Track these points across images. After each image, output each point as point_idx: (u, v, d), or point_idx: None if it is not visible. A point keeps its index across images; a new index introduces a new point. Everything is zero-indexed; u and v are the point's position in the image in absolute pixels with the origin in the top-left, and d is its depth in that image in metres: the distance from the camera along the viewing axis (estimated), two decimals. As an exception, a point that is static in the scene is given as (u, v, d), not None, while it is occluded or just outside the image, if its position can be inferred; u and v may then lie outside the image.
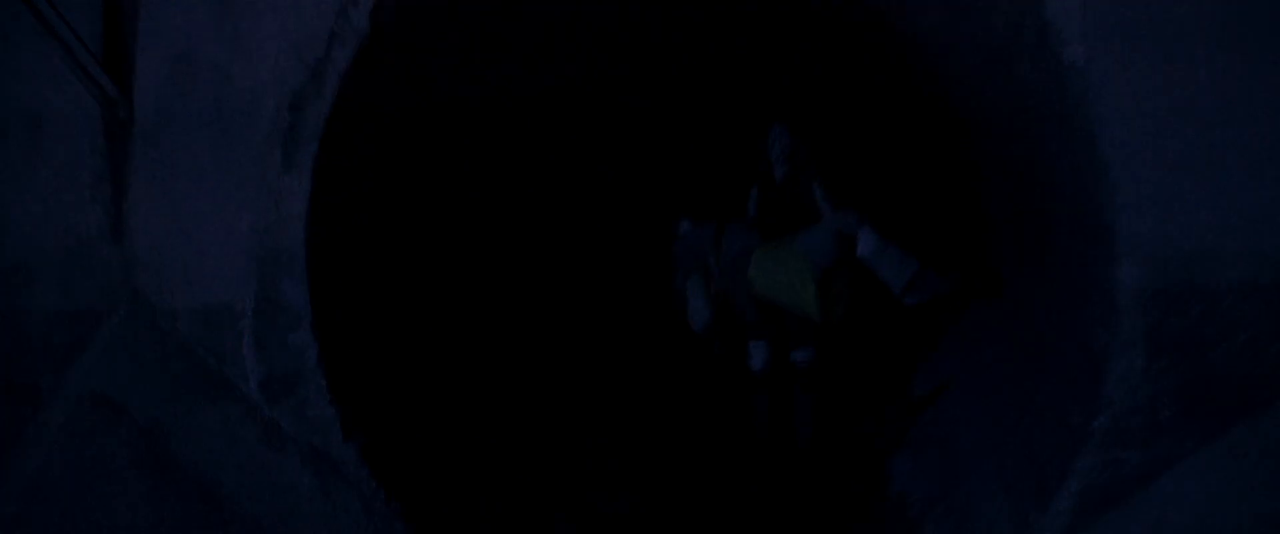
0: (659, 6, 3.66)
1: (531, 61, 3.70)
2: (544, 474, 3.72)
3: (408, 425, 3.18)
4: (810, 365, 3.92)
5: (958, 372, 3.60)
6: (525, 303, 4.35)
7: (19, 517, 2.61)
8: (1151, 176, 2.27)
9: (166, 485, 2.69)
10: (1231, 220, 2.25)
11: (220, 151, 2.89)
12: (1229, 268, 2.26)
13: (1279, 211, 2.22)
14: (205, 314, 2.90)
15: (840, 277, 3.54)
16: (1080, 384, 2.48)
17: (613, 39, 3.83)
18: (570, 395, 4.26)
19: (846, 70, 4.28)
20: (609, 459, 4.05)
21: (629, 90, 4.34)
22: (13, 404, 3.06)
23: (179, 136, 2.91)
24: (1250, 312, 2.25)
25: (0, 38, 3.01)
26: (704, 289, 3.88)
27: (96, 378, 2.84)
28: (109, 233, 3.01)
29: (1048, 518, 2.44)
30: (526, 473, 3.67)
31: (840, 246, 3.52)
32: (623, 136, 4.66)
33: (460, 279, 3.83)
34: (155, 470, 2.70)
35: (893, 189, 4.30)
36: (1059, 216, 2.62)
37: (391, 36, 2.80)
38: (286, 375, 2.87)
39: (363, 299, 3.08)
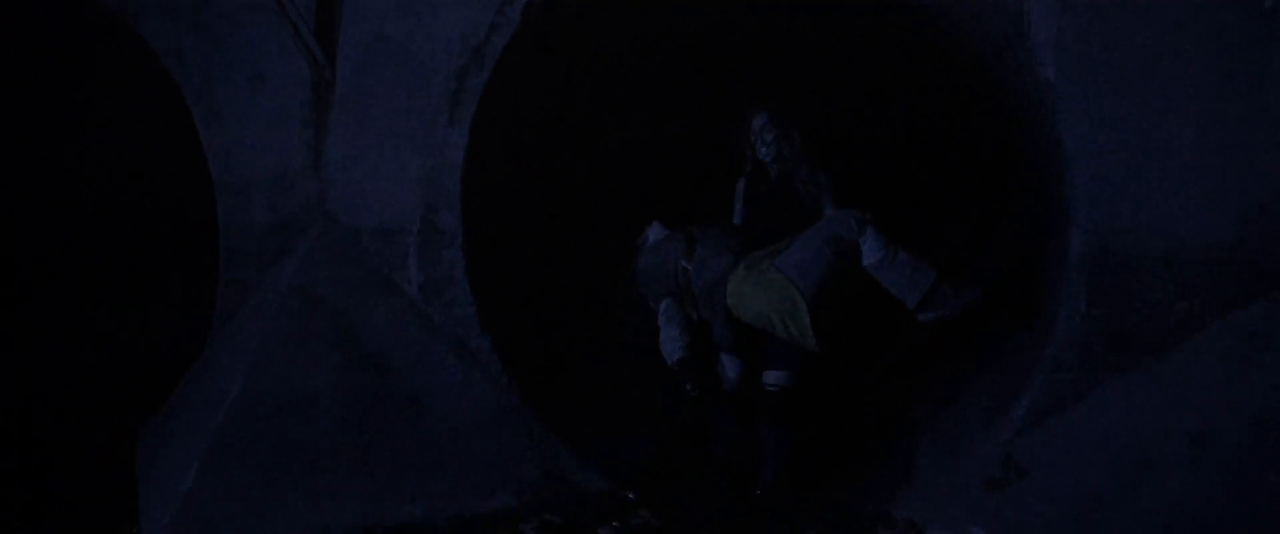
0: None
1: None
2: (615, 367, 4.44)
3: (524, 323, 4.08)
4: (786, 393, 3.48)
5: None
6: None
7: (248, 375, 3.55)
8: (1098, 170, 3.04)
9: (353, 357, 3.61)
10: (1154, 210, 3.01)
11: (399, 109, 3.77)
12: (1150, 244, 3.02)
13: (1189, 205, 2.98)
14: (381, 232, 3.81)
15: (838, 292, 3.14)
16: (1036, 323, 3.29)
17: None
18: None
19: (848, 41, 4.27)
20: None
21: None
22: (230, 294, 4.04)
23: (369, 96, 3.80)
24: (1162, 278, 3.02)
25: (236, 15, 3.92)
26: (679, 316, 3.45)
27: (299, 275, 3.77)
28: (310, 166, 3.93)
29: (1006, 420, 3.25)
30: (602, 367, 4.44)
31: (839, 255, 3.12)
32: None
33: (564, 216, 4.55)
34: (344, 346, 3.62)
35: (896, 186, 4.18)
36: (1027, 195, 3.42)
37: (537, 28, 3.67)
38: (439, 282, 3.79)
39: (499, 227, 3.97)
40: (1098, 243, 3.07)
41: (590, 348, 4.51)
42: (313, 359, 3.61)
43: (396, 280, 3.79)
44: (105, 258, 5.34)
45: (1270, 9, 2.74)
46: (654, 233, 3.71)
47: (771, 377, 3.48)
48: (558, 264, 4.45)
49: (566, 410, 3.92)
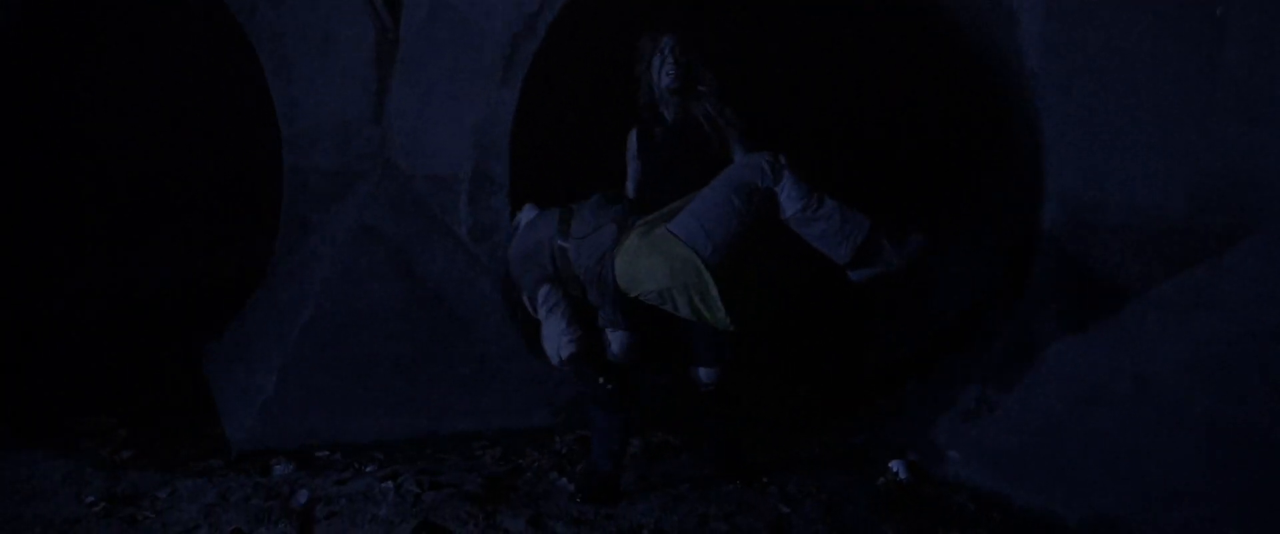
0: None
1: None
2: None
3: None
4: (722, 385, 3.18)
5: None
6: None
7: (319, 299, 4.01)
8: (1070, 150, 3.55)
9: (413, 286, 4.06)
10: (1117, 184, 3.52)
11: (457, 69, 4.20)
12: (1112, 214, 3.53)
13: (1147, 180, 3.48)
14: (436, 179, 4.26)
15: (752, 254, 2.72)
16: (1012, 278, 3.81)
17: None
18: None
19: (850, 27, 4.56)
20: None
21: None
22: (293, 230, 4.49)
23: (429, 57, 4.22)
24: (1121, 243, 3.53)
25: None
26: (562, 303, 2.90)
27: (363, 215, 4.22)
28: (372, 118, 4.35)
29: (984, 360, 3.77)
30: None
31: (750, 208, 2.66)
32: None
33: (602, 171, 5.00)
34: (405, 276, 4.07)
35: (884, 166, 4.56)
36: (1007, 168, 3.93)
37: (586, 1, 4.11)
38: (487, 226, 4.25)
39: (542, 178, 4.42)
40: (1067, 213, 3.59)
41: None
42: (376, 287, 4.07)
43: (449, 223, 4.25)
44: (176, 195, 5.78)
45: (1220, 16, 3.23)
46: (526, 214, 3.27)
47: (703, 374, 3.15)
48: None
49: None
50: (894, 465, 3.54)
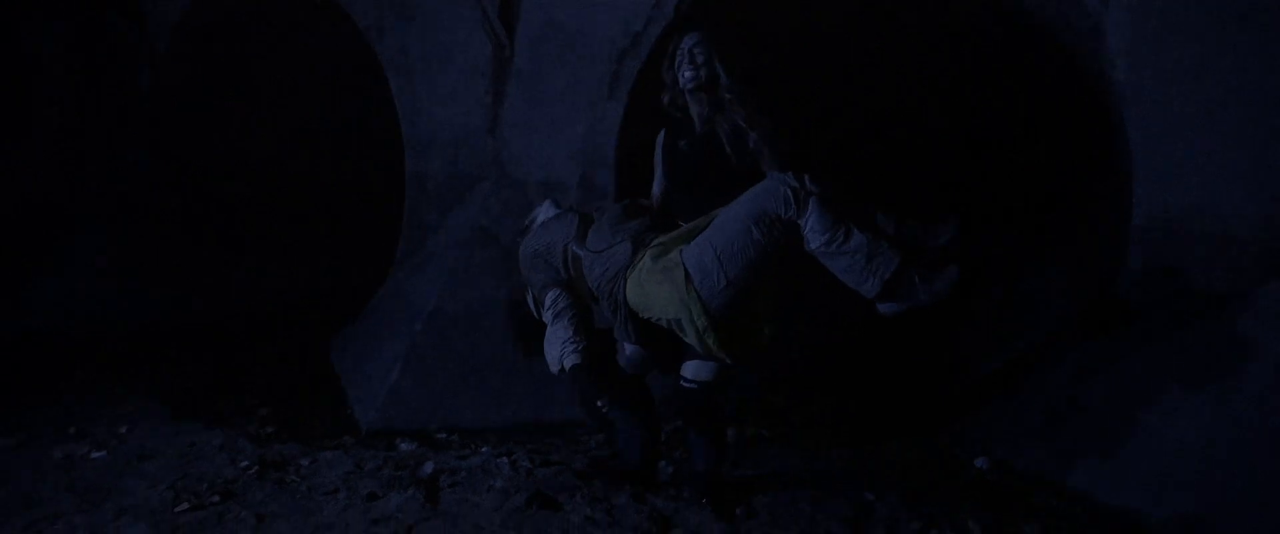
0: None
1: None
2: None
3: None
4: (706, 390, 2.88)
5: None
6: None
7: (440, 295, 4.36)
8: (1158, 159, 3.66)
9: (520, 287, 4.39)
10: (1205, 194, 3.62)
11: (566, 84, 4.53)
12: (1199, 223, 3.63)
13: (1234, 191, 3.57)
14: (546, 185, 4.59)
15: (765, 287, 2.63)
16: (1099, 284, 3.92)
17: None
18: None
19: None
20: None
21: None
22: (414, 230, 4.88)
23: (541, 72, 4.56)
24: (1207, 252, 3.63)
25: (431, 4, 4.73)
26: (571, 312, 2.85)
27: (478, 218, 4.58)
28: (487, 128, 4.72)
29: (1063, 367, 3.89)
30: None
31: (771, 239, 2.52)
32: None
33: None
34: (513, 277, 4.39)
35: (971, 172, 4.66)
36: (1095, 176, 4.04)
37: (688, 21, 4.38)
38: (592, 229, 4.56)
39: (645, 187, 4.69)
40: (1155, 221, 3.69)
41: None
42: (489, 286, 4.41)
43: (556, 226, 4.55)
44: (304, 199, 6.29)
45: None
46: (542, 212, 3.20)
47: (688, 369, 2.90)
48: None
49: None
50: (979, 462, 3.68)
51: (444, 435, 3.94)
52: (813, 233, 2.52)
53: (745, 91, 2.91)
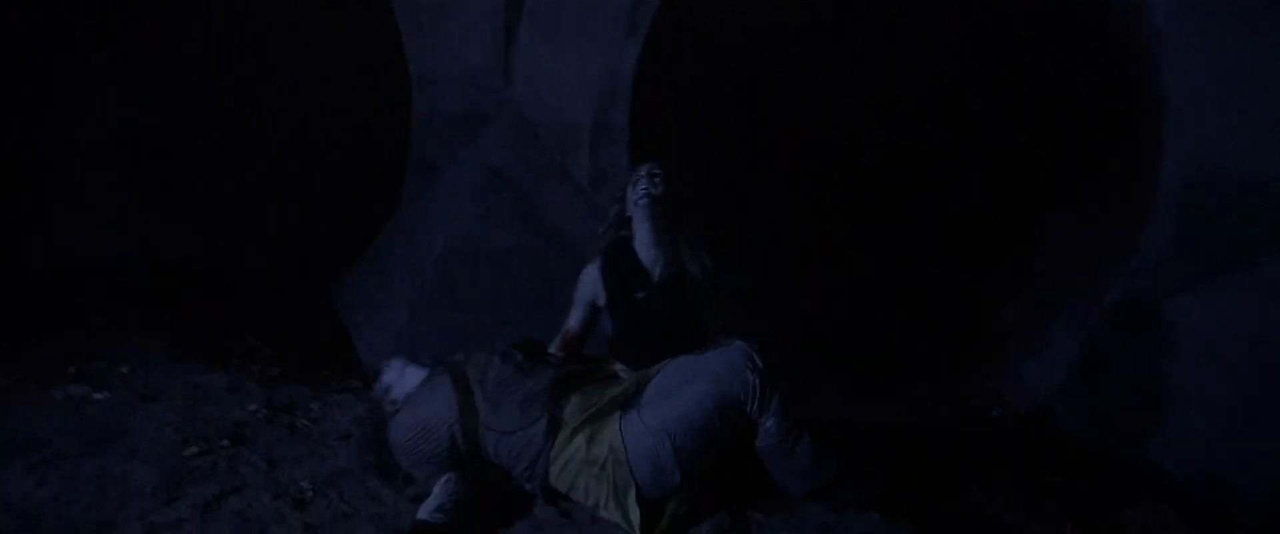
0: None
1: None
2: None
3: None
4: None
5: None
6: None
7: (448, 235, 4.25)
8: (1195, 109, 3.55)
9: (533, 225, 4.27)
10: (1241, 145, 3.51)
11: (580, 26, 4.34)
12: (1234, 175, 3.53)
13: (1265, 143, 3.47)
14: (559, 127, 4.44)
15: (704, 471, 2.49)
16: (1129, 237, 3.84)
17: None
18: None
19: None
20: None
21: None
22: (422, 170, 4.75)
23: (555, 10, 4.38)
24: (1240, 205, 3.53)
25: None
26: (461, 491, 2.48)
27: (488, 157, 4.45)
28: (499, 68, 4.55)
29: (1097, 312, 3.81)
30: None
31: (730, 429, 2.48)
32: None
33: (714, 125, 5.15)
34: (525, 216, 4.28)
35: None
36: (1128, 128, 3.94)
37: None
38: (605, 172, 4.42)
39: (660, 130, 4.59)
40: (1188, 172, 3.59)
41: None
42: (501, 226, 4.29)
43: (569, 169, 4.43)
44: (309, 138, 6.14)
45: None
46: (393, 375, 2.84)
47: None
48: (710, 164, 5.05)
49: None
50: (995, 411, 3.64)
51: (454, 380, 3.85)
52: (766, 434, 2.53)
53: (708, 249, 2.99)
